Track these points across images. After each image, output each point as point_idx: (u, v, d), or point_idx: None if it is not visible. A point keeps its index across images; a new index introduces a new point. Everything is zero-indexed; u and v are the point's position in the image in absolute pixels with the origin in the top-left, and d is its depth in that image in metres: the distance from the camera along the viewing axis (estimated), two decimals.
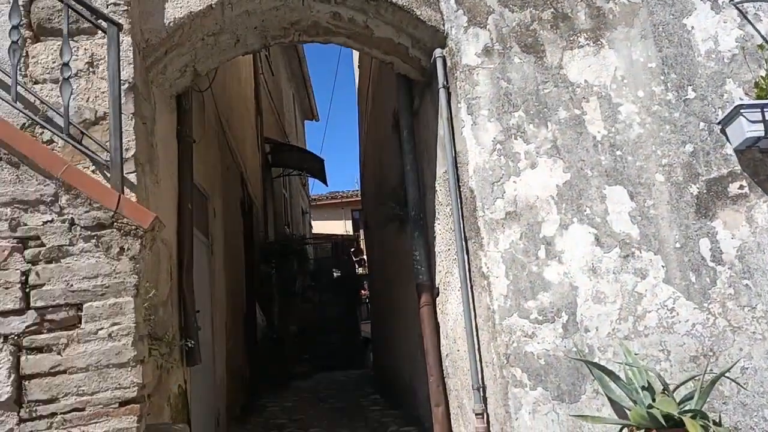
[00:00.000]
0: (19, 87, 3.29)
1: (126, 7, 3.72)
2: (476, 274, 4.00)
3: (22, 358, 2.57)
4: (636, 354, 3.64)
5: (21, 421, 2.57)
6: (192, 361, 4.33)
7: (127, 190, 3.41)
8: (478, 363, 3.97)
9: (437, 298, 4.87)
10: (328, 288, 16.08)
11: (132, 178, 3.49)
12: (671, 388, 3.43)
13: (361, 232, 16.40)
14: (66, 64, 2.99)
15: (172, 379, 3.92)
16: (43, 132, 3.41)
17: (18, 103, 3.16)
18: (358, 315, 16.99)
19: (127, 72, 3.59)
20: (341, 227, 26.38)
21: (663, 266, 3.82)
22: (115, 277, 2.62)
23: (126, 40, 3.65)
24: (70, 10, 3.18)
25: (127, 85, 3.57)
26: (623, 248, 3.86)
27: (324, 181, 14.28)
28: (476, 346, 4.00)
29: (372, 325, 12.74)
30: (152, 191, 3.88)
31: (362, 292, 17.66)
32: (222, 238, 6.76)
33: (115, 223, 2.64)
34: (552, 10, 4.28)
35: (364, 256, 16.31)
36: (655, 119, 4.07)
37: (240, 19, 4.36)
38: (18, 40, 2.96)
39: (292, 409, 7.96)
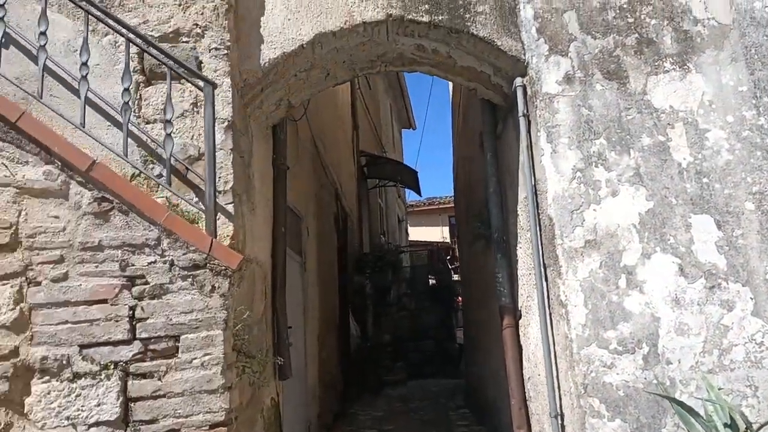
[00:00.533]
0: (133, 127, 3.72)
1: (226, 52, 4.06)
2: (554, 302, 4.04)
3: (129, 383, 2.96)
4: (720, 389, 3.55)
5: None
6: (283, 376, 4.64)
7: (225, 219, 3.75)
8: (557, 391, 4.01)
9: (519, 321, 4.91)
10: (424, 295, 16.19)
11: (230, 208, 3.81)
12: (755, 426, 3.33)
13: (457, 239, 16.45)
14: (168, 121, 3.36)
15: (265, 392, 4.23)
16: (153, 167, 3.81)
17: (130, 147, 3.57)
18: (454, 322, 16.99)
19: (226, 111, 3.94)
20: (438, 234, 26.45)
21: (752, 298, 3.71)
22: (208, 312, 2.98)
23: (226, 82, 4.00)
24: (172, 60, 3.54)
25: (226, 124, 3.92)
26: (709, 279, 3.78)
27: (418, 192, 14.52)
28: (554, 374, 4.04)
29: (464, 334, 12.77)
30: (248, 218, 4.20)
31: (458, 299, 17.68)
32: (315, 254, 7.11)
33: (207, 264, 3.00)
34: (636, 35, 4.25)
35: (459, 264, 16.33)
36: (745, 145, 3.95)
37: (329, 56, 4.62)
38: (129, 101, 3.36)
39: (382, 418, 8.19)
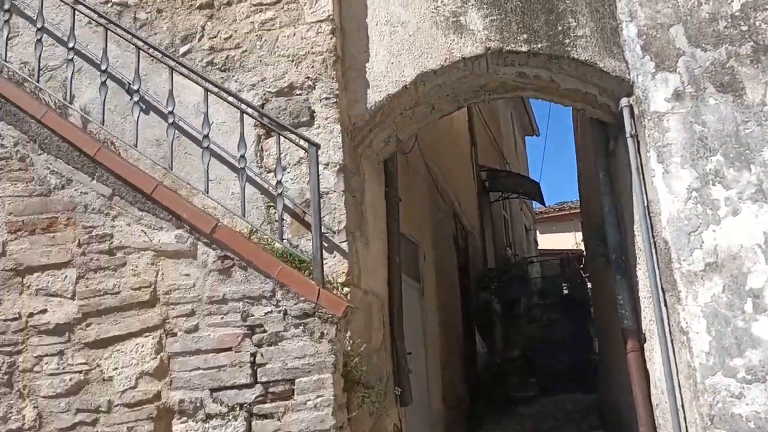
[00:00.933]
0: (255, 177, 4.14)
1: (335, 100, 4.35)
2: (675, 329, 3.90)
3: (253, 423, 3.27)
4: None
5: None
6: (404, 402, 4.81)
7: (340, 257, 4.03)
8: (683, 422, 3.86)
9: (644, 344, 4.76)
10: (557, 306, 15.74)
11: (344, 246, 4.08)
12: None
13: None
14: (279, 182, 3.72)
15: (387, 420, 4.42)
16: (275, 212, 4.13)
17: (255, 194, 4.06)
18: (590, 333, 16.37)
19: (337, 156, 4.23)
20: (570, 240, 25.45)
21: None
22: (318, 357, 3.27)
23: (336, 128, 4.29)
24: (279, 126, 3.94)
25: (337, 167, 4.20)
26: None
27: (542, 203, 14.26)
28: (679, 404, 3.89)
29: (598, 349, 12.27)
30: (362, 253, 4.43)
31: (592, 308, 17.00)
32: (433, 277, 7.25)
33: (316, 313, 3.31)
34: (751, 43, 4.02)
35: None
36: None
37: (433, 92, 4.78)
38: (244, 166, 3.77)
39: None
